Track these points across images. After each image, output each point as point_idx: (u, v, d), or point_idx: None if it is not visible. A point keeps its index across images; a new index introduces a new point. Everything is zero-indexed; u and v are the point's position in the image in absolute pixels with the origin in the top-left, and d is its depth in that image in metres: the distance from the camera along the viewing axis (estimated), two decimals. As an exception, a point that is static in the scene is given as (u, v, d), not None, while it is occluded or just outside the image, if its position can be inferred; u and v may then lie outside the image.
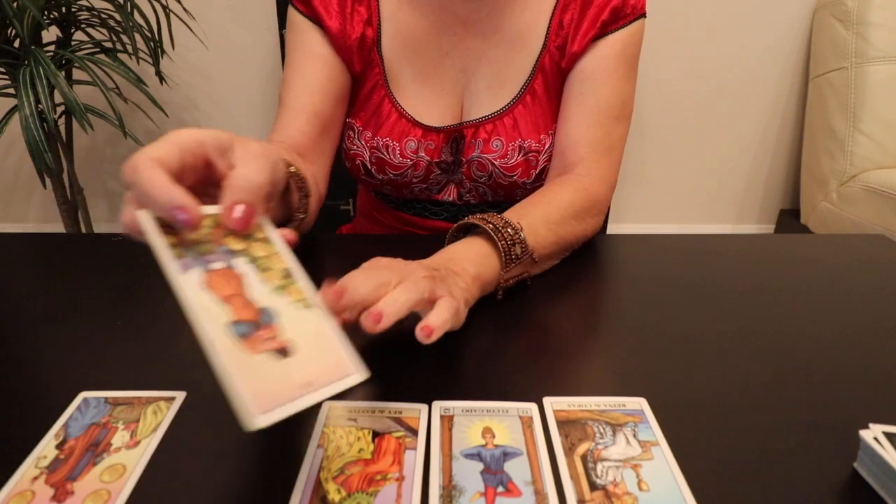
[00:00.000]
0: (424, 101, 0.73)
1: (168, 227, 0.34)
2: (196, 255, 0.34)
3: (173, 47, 1.73)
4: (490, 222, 0.54)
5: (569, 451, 0.38)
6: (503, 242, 0.53)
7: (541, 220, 0.58)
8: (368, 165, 0.75)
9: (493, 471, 0.37)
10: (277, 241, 0.38)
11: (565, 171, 0.69)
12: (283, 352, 0.33)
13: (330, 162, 0.73)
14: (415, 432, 0.39)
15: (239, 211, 0.36)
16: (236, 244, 0.35)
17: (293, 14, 0.70)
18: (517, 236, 0.54)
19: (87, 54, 1.47)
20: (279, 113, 0.70)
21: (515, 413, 0.41)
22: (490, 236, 0.54)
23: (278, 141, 0.67)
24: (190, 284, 0.32)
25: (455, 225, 0.57)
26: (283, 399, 0.31)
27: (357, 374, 0.35)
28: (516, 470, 0.37)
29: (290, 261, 0.37)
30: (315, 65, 0.69)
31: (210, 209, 0.36)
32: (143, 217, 0.34)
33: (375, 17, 0.70)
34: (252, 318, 0.33)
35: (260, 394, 0.30)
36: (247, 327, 0.32)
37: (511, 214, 0.57)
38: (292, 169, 0.54)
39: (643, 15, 0.70)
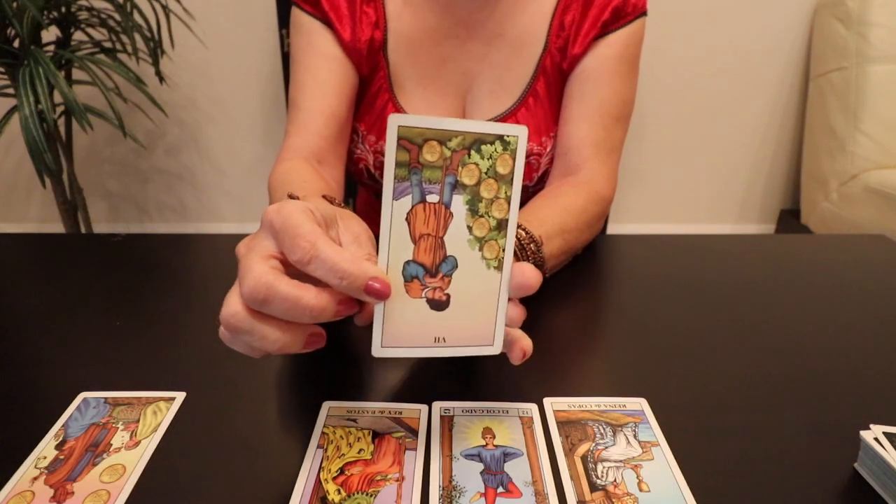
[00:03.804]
0: (427, 105, 0.72)
1: (407, 140, 0.32)
2: (420, 180, 0.33)
3: (173, 47, 1.73)
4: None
5: (569, 452, 0.38)
6: (525, 262, 0.51)
7: (557, 229, 0.57)
8: (372, 170, 0.74)
9: (494, 471, 0.37)
10: (515, 185, 0.34)
11: (569, 171, 0.69)
12: (438, 304, 0.34)
13: (345, 164, 0.71)
14: (415, 433, 0.39)
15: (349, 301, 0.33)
16: (468, 178, 0.33)
17: (299, 14, 0.69)
18: (538, 254, 0.52)
19: (86, 54, 1.47)
20: (292, 115, 0.68)
21: (515, 413, 0.41)
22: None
23: (297, 147, 0.65)
24: (395, 212, 0.33)
25: None
26: (411, 343, 0.34)
27: (493, 347, 0.36)
28: (516, 470, 0.37)
29: (511, 211, 0.34)
30: (329, 66, 0.68)
31: (463, 125, 0.33)
32: (391, 124, 0.32)
33: (382, 19, 0.69)
34: (430, 263, 0.33)
35: (393, 331, 0.34)
36: (420, 270, 0.33)
37: (531, 223, 0.54)
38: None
39: (644, 13, 0.69)
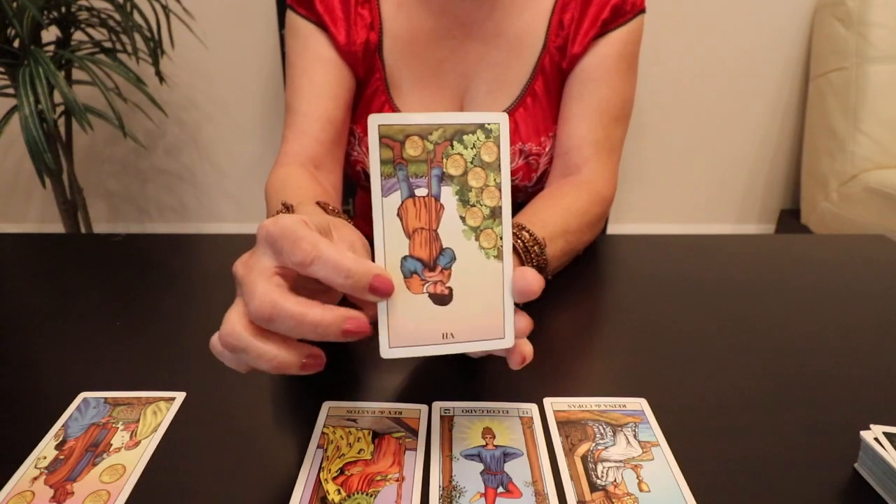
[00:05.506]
0: (424, 106, 0.72)
1: (388, 138, 0.32)
2: (406, 175, 0.33)
3: (173, 47, 1.73)
4: (519, 238, 0.51)
5: (569, 452, 0.38)
6: (530, 265, 0.50)
7: (560, 231, 0.56)
8: (369, 172, 0.74)
9: (494, 471, 0.37)
10: (503, 172, 0.34)
11: (569, 171, 0.69)
12: (441, 298, 0.34)
13: (342, 168, 0.71)
14: (415, 433, 0.39)
15: (353, 324, 0.32)
16: (454, 168, 0.33)
17: (294, 18, 0.69)
18: (542, 256, 0.51)
19: (86, 54, 1.47)
20: (289, 120, 0.67)
21: (515, 413, 0.41)
22: (517, 253, 0.50)
23: (293, 152, 0.65)
24: (385, 209, 0.33)
25: None
26: (419, 341, 0.33)
27: (505, 339, 0.35)
28: (516, 470, 0.37)
29: (504, 198, 0.34)
30: (325, 69, 0.67)
31: (443, 118, 0.33)
32: (371, 124, 0.32)
33: (377, 21, 0.69)
34: (427, 257, 0.33)
35: (400, 330, 0.33)
36: (418, 265, 0.33)
37: (535, 224, 0.53)
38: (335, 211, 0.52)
39: (643, 11, 0.69)
